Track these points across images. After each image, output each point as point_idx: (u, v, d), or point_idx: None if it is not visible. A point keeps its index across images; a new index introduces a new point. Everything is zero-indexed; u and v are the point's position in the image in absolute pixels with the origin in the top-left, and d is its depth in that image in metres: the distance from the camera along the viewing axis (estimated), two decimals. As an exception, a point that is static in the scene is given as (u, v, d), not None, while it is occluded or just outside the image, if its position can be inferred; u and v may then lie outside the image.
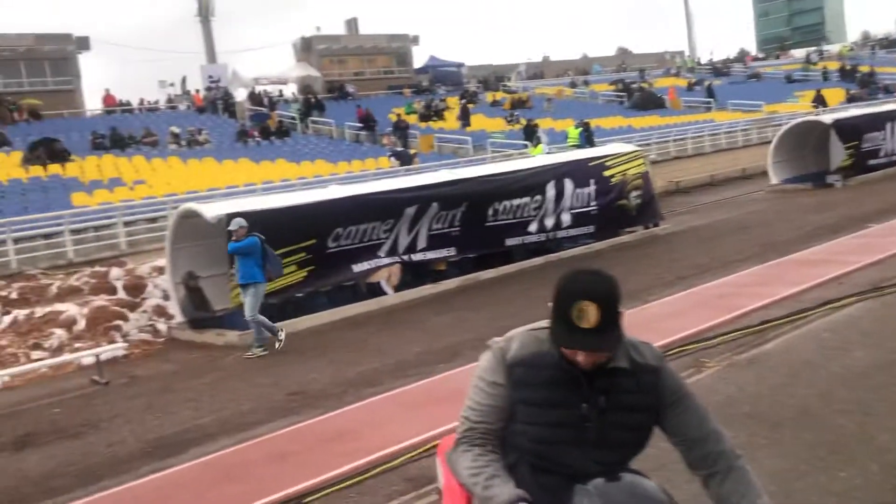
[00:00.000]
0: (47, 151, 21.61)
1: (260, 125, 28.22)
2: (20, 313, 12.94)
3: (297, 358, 9.91)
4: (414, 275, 13.58)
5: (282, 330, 10.53)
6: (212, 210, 11.82)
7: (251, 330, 10.57)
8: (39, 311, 12.87)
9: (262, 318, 10.48)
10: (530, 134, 26.15)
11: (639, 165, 16.84)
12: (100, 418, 8.25)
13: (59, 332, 12.15)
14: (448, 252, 13.84)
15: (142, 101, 34.20)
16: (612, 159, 16.47)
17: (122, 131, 24.93)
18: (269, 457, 6.24)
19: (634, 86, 40.81)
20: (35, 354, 11.61)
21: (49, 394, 9.82)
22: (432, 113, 31.49)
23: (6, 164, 21.29)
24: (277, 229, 11.63)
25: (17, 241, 15.17)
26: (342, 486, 5.42)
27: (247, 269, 10.37)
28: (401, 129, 26.61)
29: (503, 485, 2.32)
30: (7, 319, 12.87)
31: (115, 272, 14.33)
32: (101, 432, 7.70)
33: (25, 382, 10.71)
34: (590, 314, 2.24)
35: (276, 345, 10.34)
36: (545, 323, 2.43)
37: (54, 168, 20.90)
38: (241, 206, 12.09)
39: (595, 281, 2.34)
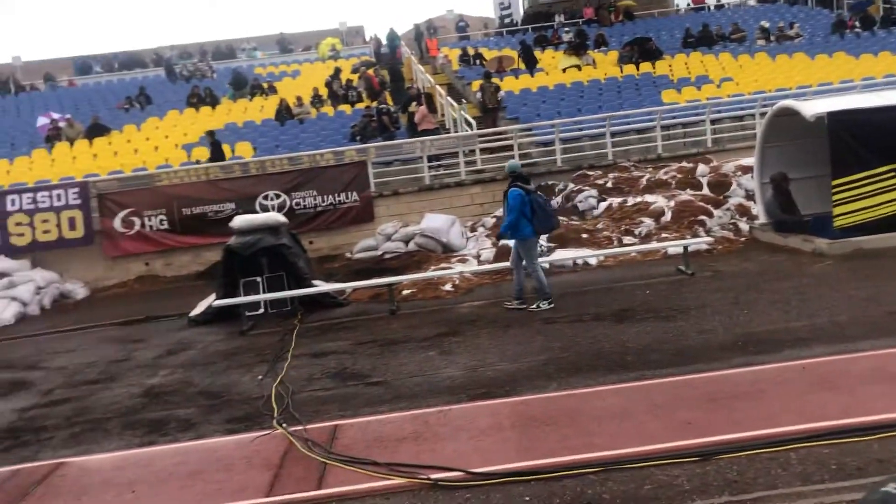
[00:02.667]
0: (640, 50, 22.86)
1: (860, 14, 25.22)
2: (614, 201, 14.25)
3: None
4: None
5: (550, 302, 9.40)
6: (811, 108, 11.06)
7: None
8: (631, 201, 13.97)
9: (541, 274, 9.60)
10: None
11: None
12: (688, 305, 8.65)
13: (648, 222, 13.03)
14: None
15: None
16: None
17: (711, 28, 24.88)
18: (874, 374, 5.75)
19: None
20: (626, 240, 12.70)
21: (639, 276, 10.69)
22: None
23: (604, 63, 23.21)
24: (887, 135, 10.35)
25: (613, 134, 16.55)
26: (974, 425, 4.69)
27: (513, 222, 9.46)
28: None
29: None
30: (602, 206, 14.31)
31: (701, 168, 14.67)
32: (691, 319, 8.07)
33: (617, 263, 11.84)
34: None
35: (537, 304, 9.35)
36: None
37: (645, 66, 22.04)
38: (846, 103, 11.05)
39: None
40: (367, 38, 35.00)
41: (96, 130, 20.27)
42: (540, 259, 10.70)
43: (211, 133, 17.77)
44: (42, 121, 21.39)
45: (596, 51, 24.36)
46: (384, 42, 29.38)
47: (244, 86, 23.79)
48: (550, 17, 31.67)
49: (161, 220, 15.32)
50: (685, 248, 10.86)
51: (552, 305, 9.38)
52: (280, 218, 12.18)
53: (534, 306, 9.44)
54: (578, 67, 22.56)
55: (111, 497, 5.19)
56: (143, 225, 15.30)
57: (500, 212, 15.12)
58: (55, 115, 21.48)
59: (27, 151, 19.73)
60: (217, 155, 17.06)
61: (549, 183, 15.63)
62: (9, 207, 15.02)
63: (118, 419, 7.01)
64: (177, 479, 5.38)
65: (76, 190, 15.26)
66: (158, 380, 8.27)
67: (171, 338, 10.43)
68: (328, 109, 21.20)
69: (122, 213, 15.30)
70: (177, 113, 22.16)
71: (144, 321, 11.82)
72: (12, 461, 6.19)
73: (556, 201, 14.87)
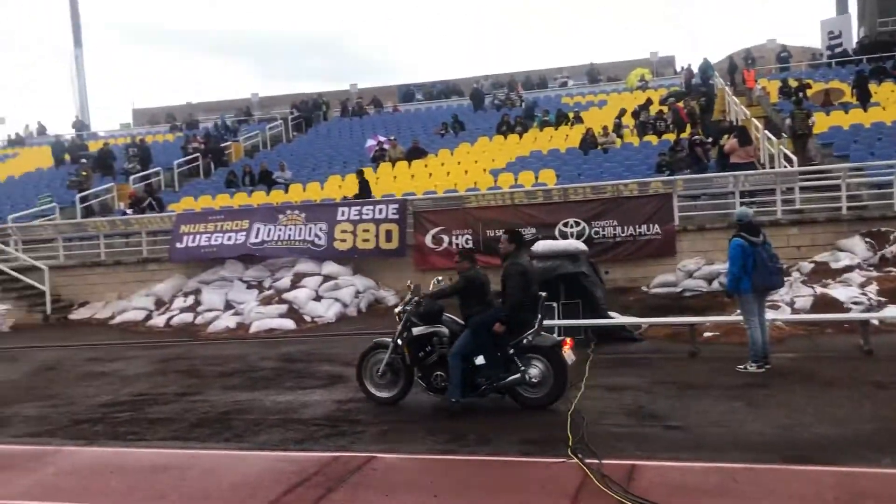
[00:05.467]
0: None
1: None
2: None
3: None
4: None
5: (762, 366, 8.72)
6: None
7: None
8: None
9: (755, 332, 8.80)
10: None
11: None
12: None
13: None
14: None
15: None
16: None
17: None
18: None
19: None
20: None
21: None
22: None
23: None
24: None
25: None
26: None
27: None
28: None
29: None
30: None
31: None
32: None
33: None
34: None
35: (745, 366, 8.75)
36: None
37: None
38: None
39: None
40: (679, 69, 34.13)
41: (415, 153, 22.03)
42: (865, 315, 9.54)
43: (360, 172, 19.04)
44: (370, 142, 23.76)
45: (948, 83, 21.37)
46: (696, 72, 28.45)
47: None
48: (891, 46, 28.43)
49: (467, 240, 16.15)
50: None
51: (763, 370, 8.66)
52: (580, 246, 12.19)
53: (741, 367, 8.77)
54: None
55: (415, 499, 5.45)
56: (450, 242, 16.26)
57: (821, 256, 13.78)
58: (381, 138, 23.74)
59: (355, 170, 22.02)
60: (364, 191, 18.03)
61: (883, 229, 13.89)
62: (338, 217, 16.83)
63: (422, 423, 7.43)
64: (474, 491, 5.52)
65: (395, 206, 16.66)
66: (458, 391, 8.63)
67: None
68: (633, 139, 20.95)
69: (433, 231, 16.40)
70: (486, 139, 23.33)
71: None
72: (331, 448, 6.81)
73: (892, 250, 13.15)
